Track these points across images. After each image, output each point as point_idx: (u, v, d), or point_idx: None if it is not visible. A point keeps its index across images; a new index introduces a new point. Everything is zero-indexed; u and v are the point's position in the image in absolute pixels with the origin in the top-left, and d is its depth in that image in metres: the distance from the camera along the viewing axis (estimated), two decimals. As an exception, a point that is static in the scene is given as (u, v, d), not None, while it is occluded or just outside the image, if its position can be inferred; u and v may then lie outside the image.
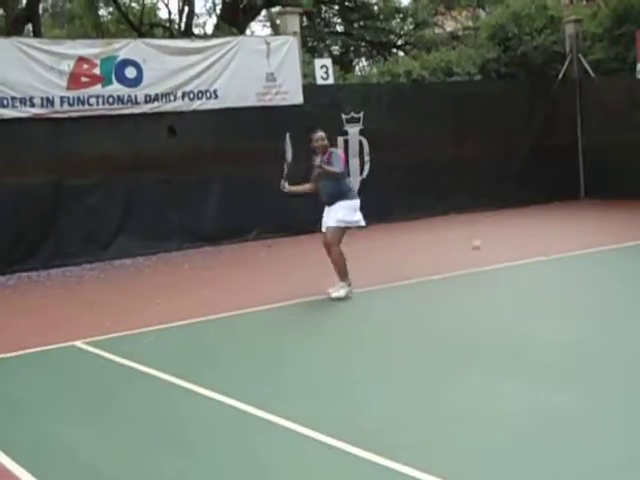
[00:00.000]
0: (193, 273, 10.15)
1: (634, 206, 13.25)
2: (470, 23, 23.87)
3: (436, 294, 7.93)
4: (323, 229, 7.90)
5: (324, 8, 23.24)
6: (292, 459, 4.00)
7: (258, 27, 27.45)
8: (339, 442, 4.08)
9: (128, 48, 11.51)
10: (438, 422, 4.36)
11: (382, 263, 9.71)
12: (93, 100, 11.15)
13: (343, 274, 7.77)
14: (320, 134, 7.86)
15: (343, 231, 7.78)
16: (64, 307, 8.53)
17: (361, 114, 13.39)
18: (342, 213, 7.70)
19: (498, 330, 6.29)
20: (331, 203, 7.79)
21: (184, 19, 22.55)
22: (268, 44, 12.65)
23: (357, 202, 7.83)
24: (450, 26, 25.14)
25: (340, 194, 7.76)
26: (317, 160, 7.77)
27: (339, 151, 8.18)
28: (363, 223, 7.89)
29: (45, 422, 4.84)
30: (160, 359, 6.08)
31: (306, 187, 8.11)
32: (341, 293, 7.70)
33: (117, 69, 11.32)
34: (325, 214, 7.90)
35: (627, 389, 4.67)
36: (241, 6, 20.51)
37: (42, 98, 10.81)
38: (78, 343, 6.69)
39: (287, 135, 7.99)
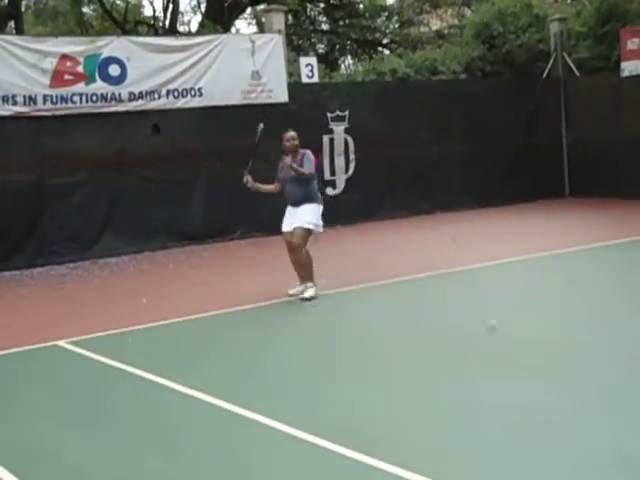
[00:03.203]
0: (178, 272, 10.11)
1: (618, 204, 13.33)
2: (455, 21, 23.91)
3: (421, 292, 7.93)
4: (285, 229, 7.75)
5: (309, 6, 23.22)
6: (277, 458, 3.99)
7: (243, 25, 27.45)
8: (323, 441, 4.07)
9: (112, 46, 11.43)
10: (421, 420, 4.36)
11: (367, 261, 9.70)
12: (77, 98, 11.07)
13: (311, 275, 7.71)
14: (292, 134, 7.73)
15: (310, 233, 7.66)
16: (47, 306, 8.47)
17: (346, 112, 13.38)
18: (310, 216, 7.62)
19: (483, 329, 6.29)
20: (297, 204, 7.68)
21: (169, 17, 22.46)
22: (253, 42, 12.61)
23: (321, 207, 7.77)
24: (436, 24, 25.16)
25: (307, 197, 7.67)
26: (287, 159, 7.70)
27: (311, 154, 7.80)
28: (322, 230, 7.81)
29: (28, 422, 4.79)
30: (145, 359, 6.04)
31: (270, 187, 7.97)
32: (312, 292, 7.63)
33: (101, 67, 11.25)
34: (288, 215, 7.75)
35: (615, 386, 4.68)
36: (226, 4, 20.45)
37: (25, 96, 10.72)
38: (61, 343, 6.63)
39: (260, 125, 7.82)
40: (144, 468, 4.00)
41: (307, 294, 7.63)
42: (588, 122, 14.87)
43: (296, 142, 7.72)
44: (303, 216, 7.61)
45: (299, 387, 5.17)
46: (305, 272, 7.71)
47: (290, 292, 7.81)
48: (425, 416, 4.43)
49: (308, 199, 7.66)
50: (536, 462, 3.68)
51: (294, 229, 7.63)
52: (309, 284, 7.70)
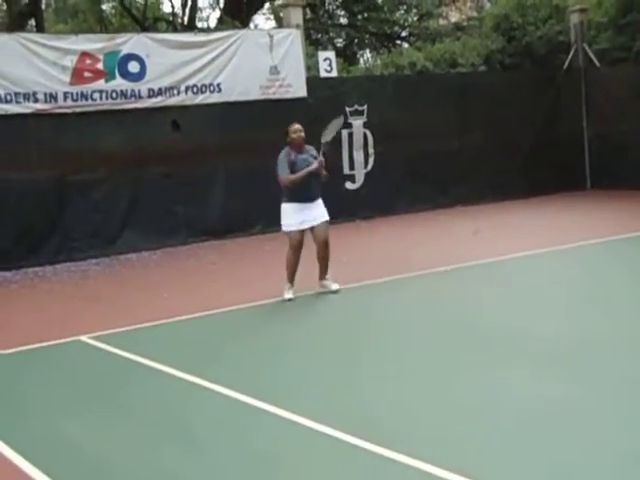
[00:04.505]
0: (198, 267, 10.16)
1: (640, 196, 13.20)
2: (474, 13, 23.77)
3: (440, 286, 7.90)
4: (297, 227, 7.53)
5: (327, 0, 23.16)
6: (294, 450, 4.01)
7: (261, 20, 27.34)
8: (341, 433, 4.08)
9: (131, 42, 11.50)
10: (439, 411, 4.35)
11: (386, 255, 9.69)
12: (96, 95, 11.15)
13: (328, 267, 7.74)
14: (298, 126, 7.65)
15: None
16: (69, 302, 8.55)
17: (365, 107, 13.36)
18: (325, 209, 7.65)
19: (502, 321, 6.28)
20: (313, 199, 7.59)
21: (187, 13, 22.53)
22: (271, 37, 12.62)
23: None
24: (454, 17, 25.02)
25: (320, 190, 7.69)
26: (308, 155, 7.58)
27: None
28: None
29: (51, 416, 4.85)
30: (166, 353, 6.08)
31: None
32: (338, 285, 7.72)
33: (120, 64, 11.32)
34: (298, 212, 7.51)
35: (630, 380, 4.65)
36: (244, -1, 20.47)
37: (45, 93, 10.81)
38: (84, 338, 6.70)
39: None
40: (163, 460, 4.03)
41: (336, 285, 7.70)
42: (609, 113, 14.74)
43: (303, 134, 7.65)
44: (323, 211, 7.62)
45: (319, 380, 5.18)
46: (327, 265, 7.69)
47: (287, 297, 7.58)
48: (443, 409, 4.42)
49: (320, 193, 7.69)
50: (553, 453, 3.67)
51: (322, 224, 7.56)
52: (329, 276, 7.72)
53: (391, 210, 13.39)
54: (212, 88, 12.05)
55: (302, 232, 7.59)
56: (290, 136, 7.63)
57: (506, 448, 3.82)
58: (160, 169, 11.66)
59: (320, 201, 7.65)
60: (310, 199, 7.57)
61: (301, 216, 7.54)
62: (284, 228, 7.67)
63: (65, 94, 10.93)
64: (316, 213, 7.57)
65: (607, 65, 15.17)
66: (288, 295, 7.59)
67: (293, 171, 7.51)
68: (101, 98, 11.18)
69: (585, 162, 15.55)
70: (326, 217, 7.61)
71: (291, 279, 7.64)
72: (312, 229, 7.60)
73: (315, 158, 7.58)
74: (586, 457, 3.66)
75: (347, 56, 21.15)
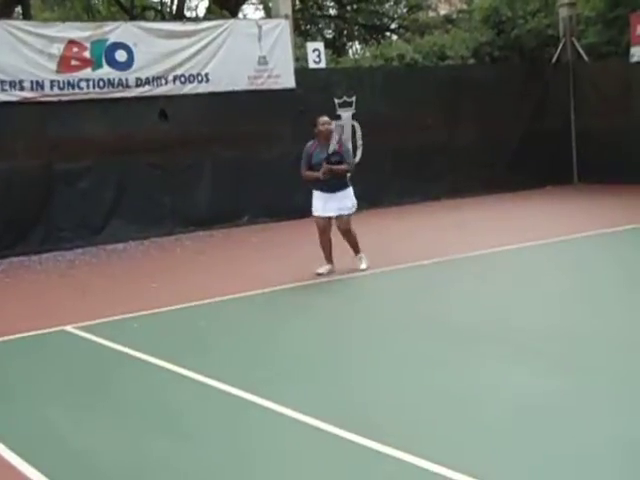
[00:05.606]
0: (185, 258, 10.13)
1: (627, 190, 13.26)
2: (464, 6, 23.76)
3: (427, 279, 7.92)
4: (321, 214, 7.95)
5: (317, -9, 23.11)
6: (283, 443, 4.00)
7: (250, 10, 27.23)
8: (329, 426, 4.08)
9: (119, 31, 11.43)
10: (427, 405, 4.36)
11: (374, 248, 9.66)
12: (83, 84, 11.07)
13: (359, 248, 8.21)
14: (326, 118, 8.00)
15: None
16: (55, 292, 8.51)
17: (353, 98, 13.33)
18: (350, 201, 7.99)
19: (488, 314, 6.29)
20: (334, 191, 7.90)
21: (176, 2, 22.37)
22: (260, 27, 12.57)
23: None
24: (444, 9, 25.00)
25: (345, 182, 8.00)
26: (330, 147, 7.85)
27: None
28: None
29: (36, 406, 4.82)
30: (152, 344, 6.06)
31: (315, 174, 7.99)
32: (366, 263, 8.14)
33: (107, 52, 11.24)
34: (322, 200, 7.92)
35: (615, 372, 4.68)
36: (233, -11, 20.35)
37: (32, 81, 10.73)
38: (69, 328, 6.66)
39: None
40: (149, 452, 4.02)
41: (364, 265, 8.11)
42: (597, 108, 14.78)
43: (330, 127, 7.96)
44: (346, 203, 7.94)
45: (307, 372, 5.18)
46: (355, 246, 8.16)
47: (318, 271, 8.02)
48: (431, 401, 4.43)
49: (345, 184, 7.98)
50: (537, 447, 3.69)
51: (341, 216, 7.93)
52: (360, 255, 8.16)
53: (379, 202, 13.37)
54: (200, 78, 11.99)
55: (325, 218, 7.95)
56: (317, 128, 7.97)
57: (491, 441, 3.83)
58: (147, 159, 11.60)
59: (344, 192, 7.92)
60: (330, 190, 7.87)
61: (324, 204, 7.93)
62: (313, 212, 8.09)
63: (52, 82, 10.86)
64: (338, 205, 7.91)
65: (595, 59, 15.21)
66: (320, 270, 8.01)
67: (310, 164, 7.92)
68: (88, 87, 11.11)
69: (572, 156, 15.59)
70: (346, 211, 7.93)
71: (328, 260, 8.08)
72: (335, 218, 7.99)
73: (333, 153, 7.84)
74: (572, 449, 3.67)
75: (336, 47, 21.14)
